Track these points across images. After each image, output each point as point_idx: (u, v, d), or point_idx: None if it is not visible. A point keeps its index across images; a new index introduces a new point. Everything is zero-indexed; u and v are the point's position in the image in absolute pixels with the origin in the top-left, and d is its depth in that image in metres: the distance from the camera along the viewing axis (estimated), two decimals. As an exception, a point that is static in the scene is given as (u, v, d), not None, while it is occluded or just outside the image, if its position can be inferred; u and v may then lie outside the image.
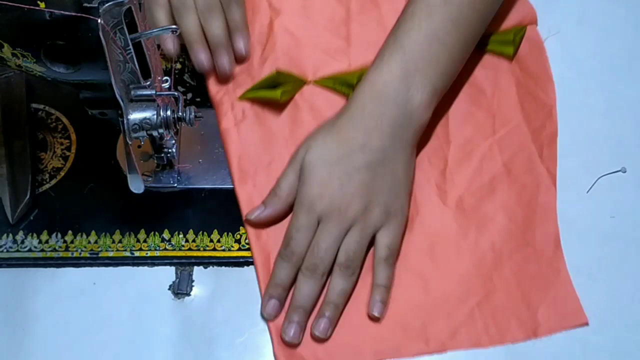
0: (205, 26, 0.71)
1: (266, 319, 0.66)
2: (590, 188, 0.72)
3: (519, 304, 0.66)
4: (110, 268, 0.68)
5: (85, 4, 0.51)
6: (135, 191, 0.63)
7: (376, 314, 0.65)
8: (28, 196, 0.69)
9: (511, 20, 0.76)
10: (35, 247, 0.69)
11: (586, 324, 0.66)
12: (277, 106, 0.73)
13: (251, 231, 0.69)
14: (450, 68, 0.68)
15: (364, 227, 0.65)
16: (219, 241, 0.69)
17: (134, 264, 0.68)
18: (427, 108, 0.67)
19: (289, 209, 0.68)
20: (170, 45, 0.71)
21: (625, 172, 0.73)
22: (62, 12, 0.50)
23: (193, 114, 0.59)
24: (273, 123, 0.73)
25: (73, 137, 0.72)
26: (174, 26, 0.56)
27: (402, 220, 0.67)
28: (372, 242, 0.67)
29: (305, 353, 0.64)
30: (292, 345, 0.64)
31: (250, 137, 0.72)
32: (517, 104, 0.73)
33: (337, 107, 0.70)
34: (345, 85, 0.73)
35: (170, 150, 0.68)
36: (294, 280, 0.66)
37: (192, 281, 0.68)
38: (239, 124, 0.72)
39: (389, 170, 0.66)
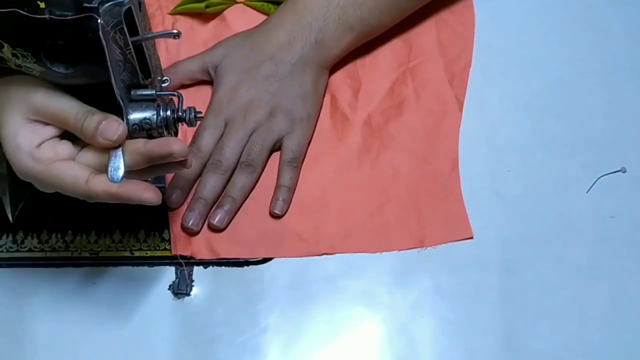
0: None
1: (170, 207, 0.70)
2: (590, 188, 0.72)
3: (410, 216, 0.71)
4: (110, 268, 0.68)
5: (85, 4, 0.51)
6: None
7: (277, 212, 0.70)
8: (28, 196, 0.69)
9: None
10: (35, 247, 0.69)
11: (471, 238, 0.70)
12: (205, 20, 0.78)
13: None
14: (373, 18, 0.73)
15: (267, 130, 0.70)
16: (219, 241, 0.69)
17: (134, 264, 0.68)
18: (337, 42, 0.72)
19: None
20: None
21: (625, 172, 0.73)
22: (62, 12, 0.50)
23: (193, 114, 0.59)
24: (199, 36, 0.77)
25: (73, 137, 0.72)
26: (175, 30, 0.57)
27: (308, 127, 0.72)
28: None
29: (198, 242, 0.69)
30: (189, 234, 0.69)
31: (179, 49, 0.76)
32: (434, 37, 0.78)
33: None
34: (275, 4, 0.77)
35: (170, 150, 0.68)
36: (198, 176, 0.70)
37: (192, 281, 0.68)
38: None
39: (296, 82, 0.71)
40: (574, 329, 0.67)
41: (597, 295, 0.68)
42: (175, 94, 0.59)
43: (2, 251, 0.68)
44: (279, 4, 0.74)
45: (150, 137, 0.61)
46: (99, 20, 0.51)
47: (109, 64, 0.53)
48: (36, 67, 0.54)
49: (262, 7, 0.78)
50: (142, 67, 0.57)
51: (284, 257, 0.69)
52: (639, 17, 0.79)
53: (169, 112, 0.57)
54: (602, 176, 0.72)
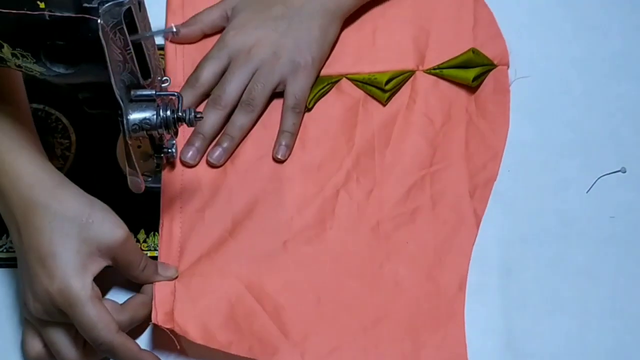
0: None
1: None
2: (590, 188, 0.72)
3: (406, 337, 0.66)
4: (110, 268, 0.68)
5: (85, 4, 0.51)
6: (135, 191, 0.63)
7: (280, 156, 0.70)
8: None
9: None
10: (35, 247, 0.68)
11: None
12: None
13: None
14: None
15: (270, 71, 0.70)
16: (219, 241, 0.69)
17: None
18: None
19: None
20: None
21: (625, 172, 0.73)
22: (62, 12, 0.50)
23: (193, 114, 0.59)
24: None
25: (73, 137, 0.72)
26: (174, 28, 0.57)
27: (312, 73, 0.71)
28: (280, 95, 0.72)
29: (188, 318, 0.64)
30: (169, 312, 0.64)
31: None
32: (462, 142, 0.72)
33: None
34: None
35: (170, 150, 0.68)
36: (192, 106, 0.70)
37: (192, 281, 0.68)
38: None
39: (304, 26, 0.71)
40: (574, 329, 0.67)
41: (597, 295, 0.68)
42: (175, 94, 0.59)
43: (2, 251, 0.68)
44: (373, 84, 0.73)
45: (150, 137, 0.62)
46: (98, 21, 0.51)
47: (108, 64, 0.53)
48: (36, 67, 0.54)
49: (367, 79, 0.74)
50: (142, 67, 0.57)
51: None
52: (638, 17, 0.79)
53: (168, 112, 0.57)
54: (602, 176, 0.72)
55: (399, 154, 0.72)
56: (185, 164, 0.70)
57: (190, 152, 0.70)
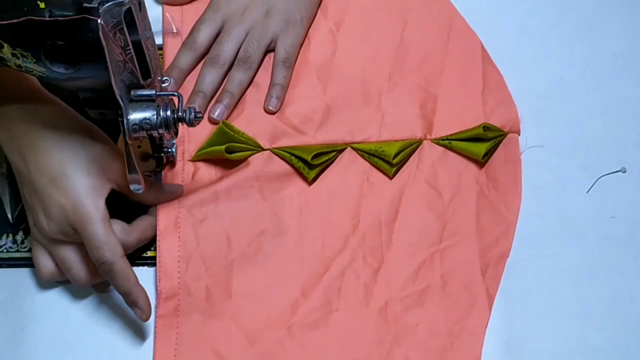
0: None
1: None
2: (590, 188, 0.72)
3: None
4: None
5: (85, 4, 0.51)
6: (135, 191, 0.63)
7: (272, 108, 0.72)
8: (28, 196, 0.69)
9: (491, 120, 0.72)
10: (35, 247, 0.68)
11: None
12: (229, 165, 0.70)
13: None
14: None
15: (263, 29, 0.72)
16: (219, 241, 0.69)
17: (133, 264, 0.68)
18: None
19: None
20: None
21: (625, 172, 0.73)
22: (62, 12, 0.50)
23: (193, 114, 0.59)
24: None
25: (73, 137, 0.72)
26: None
27: (301, 30, 0.74)
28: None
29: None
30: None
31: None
32: (473, 216, 0.70)
33: (286, 177, 0.70)
34: (303, 161, 0.69)
35: (170, 150, 0.68)
36: (191, 68, 0.73)
37: (192, 281, 0.68)
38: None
39: None
40: (574, 329, 0.67)
41: (597, 295, 0.68)
42: (175, 94, 0.59)
43: (2, 251, 0.68)
44: (305, 161, 0.68)
45: (150, 137, 0.62)
46: (99, 21, 0.51)
47: (108, 64, 0.53)
48: (36, 67, 0.54)
49: (289, 159, 0.69)
50: (142, 67, 0.57)
51: None
52: (638, 17, 0.79)
53: (169, 112, 0.57)
54: (602, 176, 0.72)
55: (406, 230, 0.69)
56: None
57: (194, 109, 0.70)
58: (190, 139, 0.71)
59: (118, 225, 0.63)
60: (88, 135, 0.62)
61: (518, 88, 0.75)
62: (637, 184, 0.72)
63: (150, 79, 0.58)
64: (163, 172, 0.70)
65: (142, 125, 0.56)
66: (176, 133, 0.59)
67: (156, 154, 0.68)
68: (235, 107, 0.72)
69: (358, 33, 0.75)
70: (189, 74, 0.73)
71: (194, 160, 0.71)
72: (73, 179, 0.60)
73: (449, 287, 0.67)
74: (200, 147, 0.70)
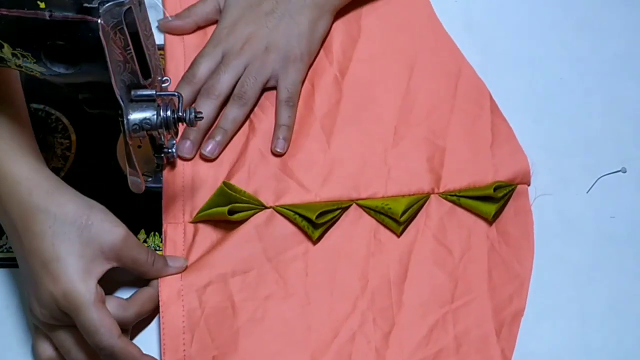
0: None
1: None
2: (590, 188, 0.72)
3: None
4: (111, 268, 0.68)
5: (85, 4, 0.51)
6: (135, 191, 0.63)
7: (279, 150, 0.70)
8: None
9: (501, 174, 0.70)
10: (35, 247, 0.68)
11: None
12: (230, 227, 0.68)
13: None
14: None
15: (261, 65, 0.71)
16: (219, 241, 0.69)
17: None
18: None
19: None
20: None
21: (625, 172, 0.73)
22: (62, 12, 0.50)
23: (193, 114, 0.59)
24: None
25: (73, 137, 0.72)
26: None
27: (301, 67, 0.72)
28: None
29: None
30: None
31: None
32: (485, 273, 0.67)
33: (290, 236, 0.67)
34: (307, 220, 0.66)
35: (170, 150, 0.68)
36: (190, 103, 0.71)
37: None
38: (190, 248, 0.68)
39: (293, 21, 0.72)
40: (574, 329, 0.67)
41: (597, 295, 0.68)
42: (175, 94, 0.59)
43: (2, 251, 0.68)
44: (309, 220, 0.66)
45: (150, 137, 0.62)
46: (99, 21, 0.51)
47: (109, 64, 0.53)
48: (36, 67, 0.54)
49: (293, 217, 0.66)
50: (142, 67, 0.57)
51: None
52: (638, 17, 0.79)
53: (169, 112, 0.57)
54: (602, 176, 0.72)
55: (417, 289, 0.66)
56: (183, 158, 0.70)
57: (187, 146, 0.70)
58: (191, 198, 0.69)
59: (113, 302, 0.61)
60: (87, 210, 0.60)
61: (518, 88, 0.75)
62: (637, 184, 0.72)
63: (150, 79, 0.58)
64: (163, 173, 0.70)
65: (142, 125, 0.56)
66: (176, 133, 0.59)
67: (156, 154, 0.68)
68: (236, 161, 0.70)
69: (364, 82, 0.74)
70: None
71: (195, 221, 0.68)
72: (63, 263, 0.58)
73: (463, 350, 0.65)
74: (200, 207, 0.68)
